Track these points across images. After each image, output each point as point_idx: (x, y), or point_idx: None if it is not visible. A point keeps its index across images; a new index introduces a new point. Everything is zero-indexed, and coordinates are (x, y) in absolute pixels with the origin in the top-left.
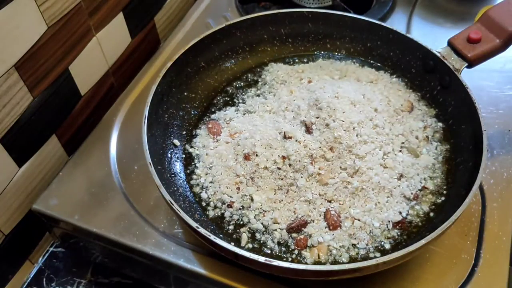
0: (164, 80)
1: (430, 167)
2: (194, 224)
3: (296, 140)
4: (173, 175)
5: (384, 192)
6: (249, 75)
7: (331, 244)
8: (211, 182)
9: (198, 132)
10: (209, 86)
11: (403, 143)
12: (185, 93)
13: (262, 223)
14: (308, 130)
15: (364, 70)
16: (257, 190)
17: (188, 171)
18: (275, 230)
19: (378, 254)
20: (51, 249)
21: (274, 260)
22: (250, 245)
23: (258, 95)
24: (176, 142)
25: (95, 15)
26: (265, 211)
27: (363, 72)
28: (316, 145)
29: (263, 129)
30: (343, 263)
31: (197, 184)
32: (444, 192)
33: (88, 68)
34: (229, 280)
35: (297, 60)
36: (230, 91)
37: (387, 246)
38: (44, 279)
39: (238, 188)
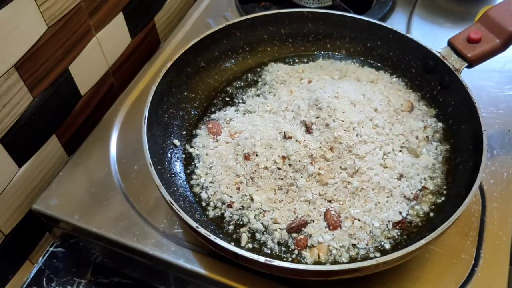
0: (164, 80)
1: (430, 167)
2: (194, 224)
3: (296, 140)
4: (173, 175)
5: (384, 192)
6: (249, 75)
7: (331, 244)
8: (211, 182)
9: (198, 132)
10: (209, 86)
11: (403, 143)
12: (185, 93)
13: (262, 223)
14: (308, 130)
15: (364, 70)
16: (257, 190)
17: (188, 171)
18: (275, 230)
19: (378, 254)
20: (51, 249)
21: (274, 260)
22: (250, 245)
23: (258, 95)
24: (176, 142)
25: (95, 15)
26: (265, 211)
27: (363, 72)
28: (316, 145)
29: (263, 129)
30: (343, 263)
31: (197, 184)
32: (444, 192)
33: (88, 68)
34: (229, 280)
35: (297, 60)
36: (230, 91)
37: (387, 246)
38: (44, 279)
39: (238, 188)
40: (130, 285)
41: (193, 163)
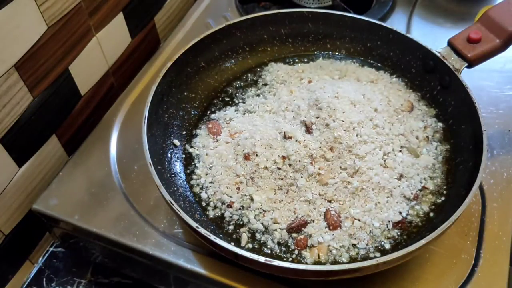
0: (164, 80)
1: (430, 167)
2: (194, 224)
3: (296, 140)
4: (173, 175)
5: (384, 192)
6: (249, 75)
7: (331, 244)
8: (211, 182)
9: (198, 132)
10: (209, 86)
11: (403, 143)
12: (185, 93)
13: (262, 223)
14: (308, 130)
15: (364, 70)
16: (257, 190)
17: (188, 171)
18: (275, 230)
19: (378, 254)
20: (51, 249)
21: (274, 260)
22: (250, 245)
23: (258, 95)
24: (176, 142)
25: (95, 15)
26: (265, 211)
27: (363, 72)
28: (316, 145)
29: (263, 129)
30: (343, 263)
31: (197, 184)
32: (444, 192)
33: (88, 68)
34: (229, 280)
35: (297, 60)
36: (230, 91)
37: (387, 246)
38: (44, 279)
39: (238, 188)
40: (130, 285)
41: (193, 163)
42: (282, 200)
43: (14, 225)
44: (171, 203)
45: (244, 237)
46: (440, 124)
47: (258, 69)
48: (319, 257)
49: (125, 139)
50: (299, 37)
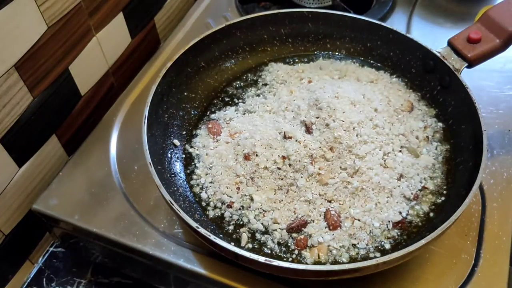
0: (164, 80)
1: (430, 167)
2: (194, 224)
3: (296, 140)
4: (173, 175)
5: (384, 192)
6: (249, 75)
7: (331, 244)
8: (211, 182)
9: (198, 132)
10: (209, 86)
11: (403, 143)
12: (185, 93)
13: (262, 223)
14: (308, 130)
15: (364, 70)
16: (257, 190)
17: (188, 171)
18: (275, 230)
19: (378, 254)
20: (51, 249)
21: (274, 260)
22: (250, 245)
23: (258, 95)
24: (176, 142)
25: (95, 15)
26: (265, 211)
27: (363, 72)
28: (316, 145)
29: (263, 129)
30: (343, 263)
31: (197, 184)
32: (444, 192)
33: (88, 68)
34: (229, 280)
35: (297, 60)
36: (230, 91)
37: (387, 246)
38: (44, 279)
39: (238, 188)
40: (130, 285)
41: (193, 163)
42: (282, 200)
43: (14, 225)
44: (171, 203)
45: (244, 237)
46: (440, 124)
47: (258, 69)
48: (319, 257)
49: (125, 139)
50: (299, 37)
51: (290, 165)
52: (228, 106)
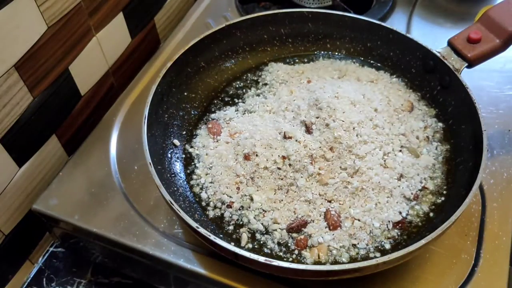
0: (164, 80)
1: (430, 167)
2: (194, 224)
3: (296, 140)
4: (173, 175)
5: (384, 192)
6: (249, 75)
7: (331, 244)
8: (211, 182)
9: (198, 132)
10: (209, 86)
11: (403, 143)
12: (185, 93)
13: (262, 223)
14: (308, 130)
15: (364, 70)
16: (257, 190)
17: (188, 171)
18: (275, 230)
19: (378, 254)
20: (51, 249)
21: (274, 260)
22: (250, 245)
23: (258, 95)
24: (176, 142)
25: (95, 15)
26: (265, 211)
27: (363, 72)
28: (316, 145)
29: (263, 129)
30: (343, 263)
31: (197, 184)
32: (444, 192)
33: (88, 68)
34: (229, 280)
35: (297, 60)
36: (230, 91)
37: (387, 246)
38: (44, 279)
39: (238, 188)
40: (130, 285)
41: (193, 163)
42: (282, 200)
43: (14, 225)
44: (171, 203)
45: (244, 237)
46: (440, 124)
47: (258, 69)
48: (319, 257)
49: (125, 139)
50: (299, 37)
51: (290, 165)
52: (228, 106)
